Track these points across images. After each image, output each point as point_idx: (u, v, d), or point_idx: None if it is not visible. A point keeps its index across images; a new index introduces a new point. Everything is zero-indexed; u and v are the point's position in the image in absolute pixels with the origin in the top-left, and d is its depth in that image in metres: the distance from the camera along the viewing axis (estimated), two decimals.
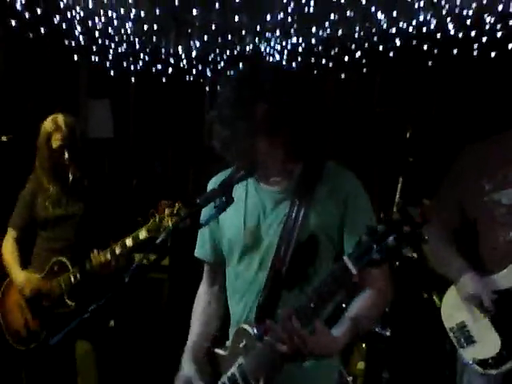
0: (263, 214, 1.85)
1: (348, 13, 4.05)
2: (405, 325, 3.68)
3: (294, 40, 4.53)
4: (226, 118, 1.75)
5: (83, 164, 3.05)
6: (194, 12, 4.17)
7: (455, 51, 4.27)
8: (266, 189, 1.88)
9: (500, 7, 3.80)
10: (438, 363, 2.87)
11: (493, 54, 4.18)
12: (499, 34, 4.03)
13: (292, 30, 4.40)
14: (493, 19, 3.95)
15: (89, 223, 3.06)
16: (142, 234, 2.86)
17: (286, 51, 4.72)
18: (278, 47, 4.68)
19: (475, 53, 4.23)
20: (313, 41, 4.50)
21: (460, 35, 4.13)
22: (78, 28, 4.40)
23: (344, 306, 1.79)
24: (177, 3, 3.98)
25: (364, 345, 3.46)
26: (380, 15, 4.02)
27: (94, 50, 4.70)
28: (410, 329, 3.70)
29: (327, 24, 4.22)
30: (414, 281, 3.58)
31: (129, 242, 2.88)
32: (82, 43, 4.57)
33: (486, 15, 3.94)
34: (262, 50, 4.68)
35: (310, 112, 1.79)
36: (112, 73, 4.90)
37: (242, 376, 1.75)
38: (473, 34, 4.09)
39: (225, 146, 1.79)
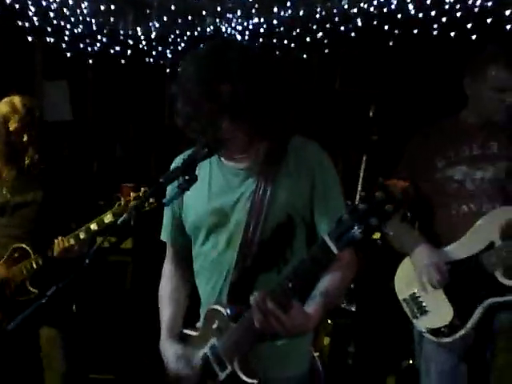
0: (229, 191, 1.82)
1: None
2: (370, 300, 3.73)
3: (256, 20, 4.49)
4: (190, 96, 1.71)
5: (41, 147, 2.97)
6: None
7: (415, 31, 4.30)
8: (230, 166, 1.85)
9: None
10: (402, 337, 2.93)
11: (452, 34, 4.23)
12: (458, 14, 4.07)
13: (253, 11, 4.36)
14: None
15: (49, 209, 2.97)
16: (108, 218, 2.81)
17: (247, 32, 4.68)
18: (239, 28, 4.63)
19: (435, 33, 4.26)
20: (274, 21, 4.46)
21: (420, 15, 4.16)
22: (32, 9, 4.27)
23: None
24: None
25: (329, 321, 3.50)
26: None
27: (50, 31, 4.56)
28: (375, 304, 3.76)
29: (288, 4, 4.20)
30: (379, 258, 3.63)
31: (94, 226, 2.83)
32: (37, 24, 4.43)
33: None
34: (223, 30, 4.62)
35: (274, 92, 1.76)
36: (69, 54, 4.77)
37: (215, 356, 1.74)
38: (433, 13, 4.13)
39: (188, 123, 1.75)
